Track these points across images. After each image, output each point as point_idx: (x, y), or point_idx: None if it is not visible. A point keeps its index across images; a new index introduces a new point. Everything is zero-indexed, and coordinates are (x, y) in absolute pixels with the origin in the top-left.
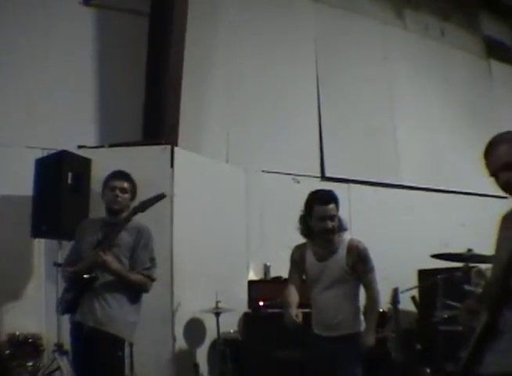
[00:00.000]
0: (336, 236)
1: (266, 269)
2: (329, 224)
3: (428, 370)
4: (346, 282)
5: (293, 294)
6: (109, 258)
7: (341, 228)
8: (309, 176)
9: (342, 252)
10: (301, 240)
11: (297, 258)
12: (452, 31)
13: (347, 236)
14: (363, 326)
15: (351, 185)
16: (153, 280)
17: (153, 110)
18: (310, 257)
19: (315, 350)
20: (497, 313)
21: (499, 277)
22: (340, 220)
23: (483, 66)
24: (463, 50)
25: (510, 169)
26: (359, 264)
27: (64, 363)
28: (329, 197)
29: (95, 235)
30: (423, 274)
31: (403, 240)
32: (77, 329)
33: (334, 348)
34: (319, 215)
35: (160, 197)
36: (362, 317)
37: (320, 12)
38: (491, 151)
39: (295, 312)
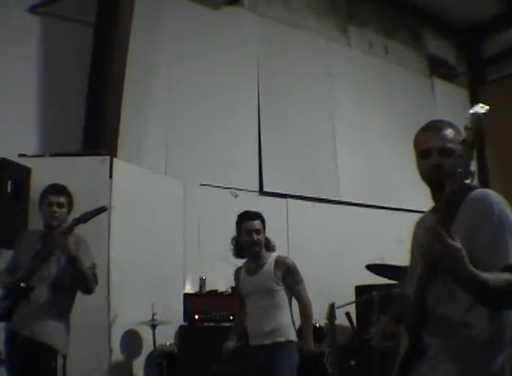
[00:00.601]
0: (264, 252)
1: (202, 282)
2: (255, 236)
3: None
4: (275, 292)
5: (236, 323)
6: (71, 241)
7: (269, 247)
8: (247, 191)
9: (270, 265)
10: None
11: (236, 280)
12: (396, 49)
13: (275, 254)
14: (294, 335)
15: (289, 200)
16: (96, 282)
17: (94, 121)
18: (243, 274)
19: (250, 361)
20: (416, 336)
21: (415, 294)
22: (268, 240)
23: (426, 84)
24: (407, 68)
25: (445, 155)
26: (288, 276)
27: None
28: (254, 214)
29: (33, 245)
30: (360, 290)
31: (341, 255)
32: (11, 337)
33: (268, 357)
34: (245, 230)
35: (101, 210)
36: (293, 327)
37: (265, 26)
38: (431, 130)
39: (228, 345)
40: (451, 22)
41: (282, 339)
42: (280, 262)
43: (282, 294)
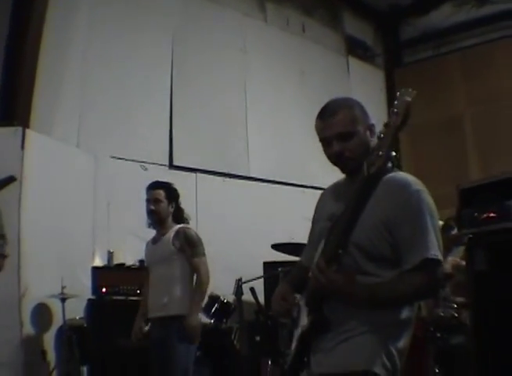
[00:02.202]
0: (170, 223)
1: (110, 255)
2: (151, 206)
3: (269, 362)
4: (172, 262)
5: (143, 299)
6: None
7: (177, 218)
8: (157, 164)
9: (170, 235)
10: (146, 228)
11: (145, 251)
12: (313, 27)
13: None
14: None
15: (199, 174)
16: (4, 256)
17: (7, 91)
18: (149, 244)
19: (150, 335)
20: (317, 312)
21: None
22: (178, 211)
23: (341, 63)
24: (323, 46)
25: (344, 140)
26: (186, 247)
27: None
28: (154, 184)
29: None
30: (268, 266)
31: (250, 231)
32: None
33: (164, 331)
34: (146, 200)
35: (9, 180)
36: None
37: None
38: (325, 117)
39: (136, 329)
40: (370, 4)
41: (177, 312)
42: (180, 232)
43: (179, 264)
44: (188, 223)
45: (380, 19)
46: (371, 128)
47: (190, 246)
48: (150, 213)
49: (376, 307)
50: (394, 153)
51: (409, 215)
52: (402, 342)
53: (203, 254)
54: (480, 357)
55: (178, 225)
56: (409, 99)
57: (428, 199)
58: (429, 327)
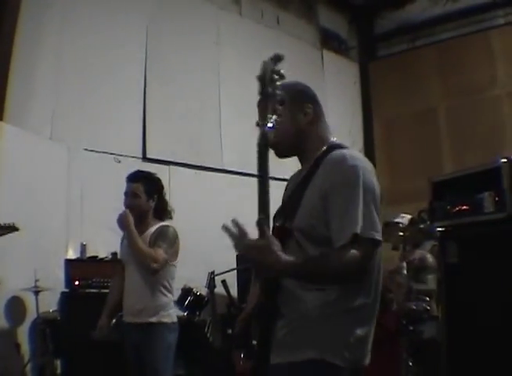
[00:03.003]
0: (151, 218)
1: (83, 248)
2: (127, 201)
3: (242, 355)
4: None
5: (111, 293)
6: None
7: (159, 213)
8: (130, 157)
9: (148, 233)
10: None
11: (120, 246)
12: (287, 20)
13: (165, 223)
14: (170, 315)
15: (172, 167)
16: None
17: None
18: (124, 240)
19: (125, 338)
20: (272, 303)
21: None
22: (160, 205)
23: (316, 56)
24: (298, 39)
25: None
26: (156, 240)
27: None
28: (132, 177)
29: None
30: (241, 258)
31: (222, 223)
32: None
33: (139, 338)
34: (124, 193)
35: None
36: (170, 306)
37: None
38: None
39: (101, 324)
40: None
41: (154, 320)
42: (158, 228)
43: None
44: (171, 217)
45: (354, 12)
46: (305, 110)
47: (159, 238)
48: (127, 207)
49: (301, 281)
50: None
51: (340, 190)
52: (360, 330)
53: (166, 249)
54: (451, 349)
55: (161, 223)
56: (269, 61)
57: (366, 174)
58: (401, 321)
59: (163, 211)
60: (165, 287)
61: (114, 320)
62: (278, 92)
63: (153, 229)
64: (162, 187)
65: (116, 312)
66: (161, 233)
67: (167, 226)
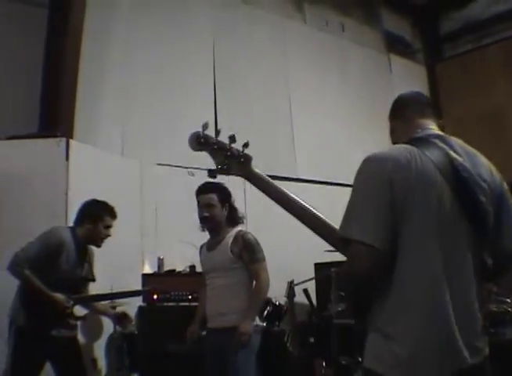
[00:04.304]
0: (225, 227)
1: (160, 262)
2: (204, 212)
3: (324, 363)
4: (232, 271)
5: (200, 304)
6: None
7: (233, 221)
8: (204, 169)
9: (228, 241)
10: (194, 233)
11: (199, 256)
12: (352, 26)
13: (237, 229)
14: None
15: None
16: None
17: (50, 102)
18: (204, 250)
19: (206, 344)
20: (360, 316)
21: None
22: (232, 213)
23: (383, 61)
24: (363, 45)
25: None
26: (244, 253)
27: None
28: (205, 188)
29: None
30: (319, 267)
31: (300, 233)
32: None
33: (222, 341)
34: (198, 204)
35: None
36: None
37: (216, 5)
38: None
39: (192, 330)
40: None
41: (232, 324)
42: (238, 238)
43: (240, 273)
44: (242, 223)
45: (417, 13)
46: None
47: (249, 251)
48: (204, 219)
49: None
50: None
51: None
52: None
53: (263, 260)
54: None
55: (235, 230)
56: None
57: (363, 169)
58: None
59: (235, 218)
60: (248, 290)
61: (204, 332)
62: None
63: (229, 235)
64: (231, 195)
65: (205, 323)
66: (245, 244)
67: (246, 233)
